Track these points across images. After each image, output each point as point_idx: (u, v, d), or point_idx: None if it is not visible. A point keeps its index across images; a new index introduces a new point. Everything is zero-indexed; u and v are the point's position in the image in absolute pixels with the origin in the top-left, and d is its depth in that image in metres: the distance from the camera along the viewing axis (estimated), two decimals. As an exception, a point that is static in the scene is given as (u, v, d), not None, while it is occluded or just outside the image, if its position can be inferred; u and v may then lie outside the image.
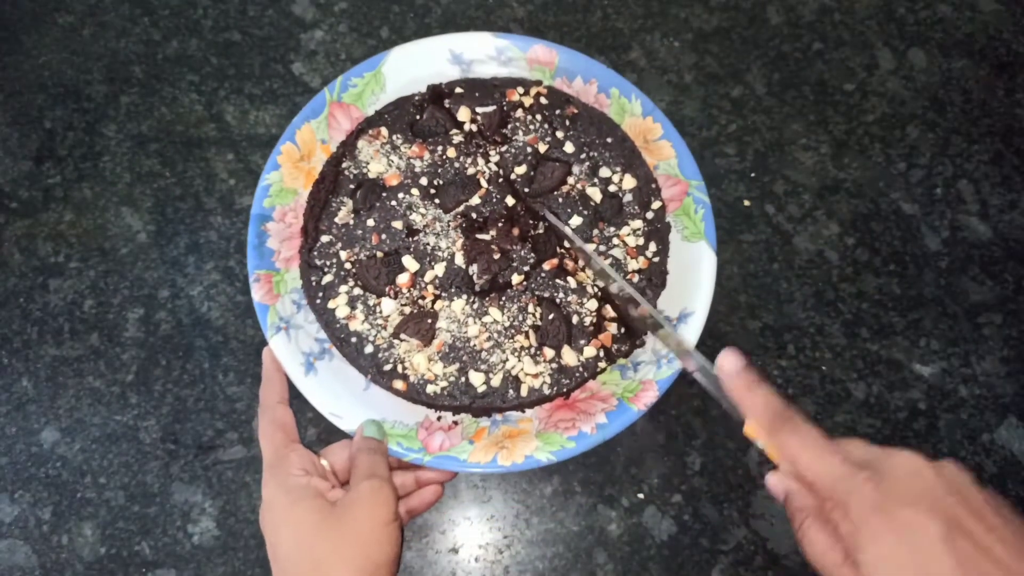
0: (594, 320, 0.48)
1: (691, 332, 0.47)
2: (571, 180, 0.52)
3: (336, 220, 0.50)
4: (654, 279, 0.50)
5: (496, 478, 0.51)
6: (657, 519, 0.50)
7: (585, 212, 0.51)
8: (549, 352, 0.47)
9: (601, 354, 0.48)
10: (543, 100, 0.54)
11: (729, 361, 0.36)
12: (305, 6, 0.65)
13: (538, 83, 0.55)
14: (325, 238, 0.50)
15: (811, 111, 0.62)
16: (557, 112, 0.54)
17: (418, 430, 0.46)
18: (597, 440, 0.44)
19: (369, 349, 0.47)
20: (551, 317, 0.48)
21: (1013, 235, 0.58)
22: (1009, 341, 0.55)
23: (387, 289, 0.48)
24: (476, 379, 0.47)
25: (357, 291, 0.49)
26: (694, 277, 0.49)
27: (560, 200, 0.52)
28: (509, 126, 0.54)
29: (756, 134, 0.61)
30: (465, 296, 0.48)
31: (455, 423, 0.47)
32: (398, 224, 0.50)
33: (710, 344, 0.54)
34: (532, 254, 0.50)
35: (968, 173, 0.60)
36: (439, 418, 0.47)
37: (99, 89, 0.61)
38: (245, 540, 0.49)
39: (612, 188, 0.52)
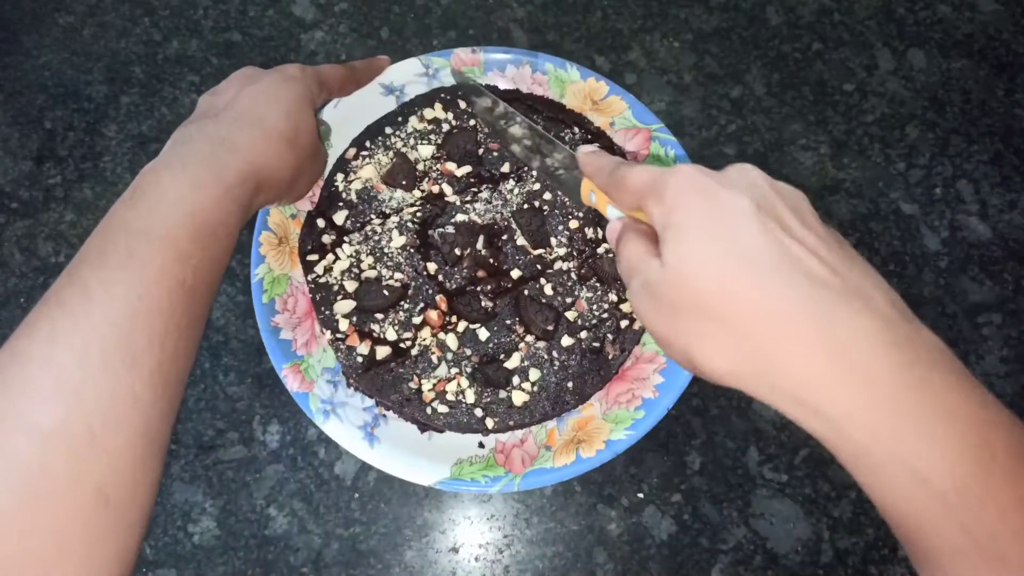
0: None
1: None
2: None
3: (319, 280, 0.50)
4: None
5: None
6: (657, 518, 0.50)
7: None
8: (568, 339, 0.48)
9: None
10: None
11: (584, 148, 0.41)
12: (305, 7, 0.65)
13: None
14: (320, 276, 0.50)
15: (811, 111, 0.62)
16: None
17: (494, 456, 0.46)
18: (665, 403, 0.45)
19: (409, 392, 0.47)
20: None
21: (1013, 235, 0.58)
22: (1009, 341, 0.55)
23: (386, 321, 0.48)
24: (518, 398, 0.47)
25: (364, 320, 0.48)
26: None
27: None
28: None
29: (756, 134, 0.61)
30: (457, 327, 0.48)
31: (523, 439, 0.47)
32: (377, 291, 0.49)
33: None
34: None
35: (967, 173, 0.60)
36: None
37: (99, 89, 0.61)
38: (245, 540, 0.49)
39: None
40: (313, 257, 0.50)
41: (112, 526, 0.29)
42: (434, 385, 0.46)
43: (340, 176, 0.52)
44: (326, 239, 0.50)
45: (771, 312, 0.27)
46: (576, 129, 0.53)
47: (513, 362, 0.47)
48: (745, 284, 0.27)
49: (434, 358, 0.47)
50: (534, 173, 0.52)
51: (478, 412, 0.46)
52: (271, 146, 0.40)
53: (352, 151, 0.53)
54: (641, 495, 0.51)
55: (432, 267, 0.49)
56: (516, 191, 0.51)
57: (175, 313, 0.32)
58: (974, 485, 0.24)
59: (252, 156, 0.39)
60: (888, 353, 0.26)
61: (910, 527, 0.26)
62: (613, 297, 0.49)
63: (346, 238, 0.50)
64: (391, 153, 0.52)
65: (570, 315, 0.48)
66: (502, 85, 0.55)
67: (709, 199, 0.29)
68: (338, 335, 0.48)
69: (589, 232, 0.50)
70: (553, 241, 0.50)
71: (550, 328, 0.48)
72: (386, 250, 0.50)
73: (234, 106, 0.40)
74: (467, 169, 0.52)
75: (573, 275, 0.49)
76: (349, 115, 0.53)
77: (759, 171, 0.31)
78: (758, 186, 0.30)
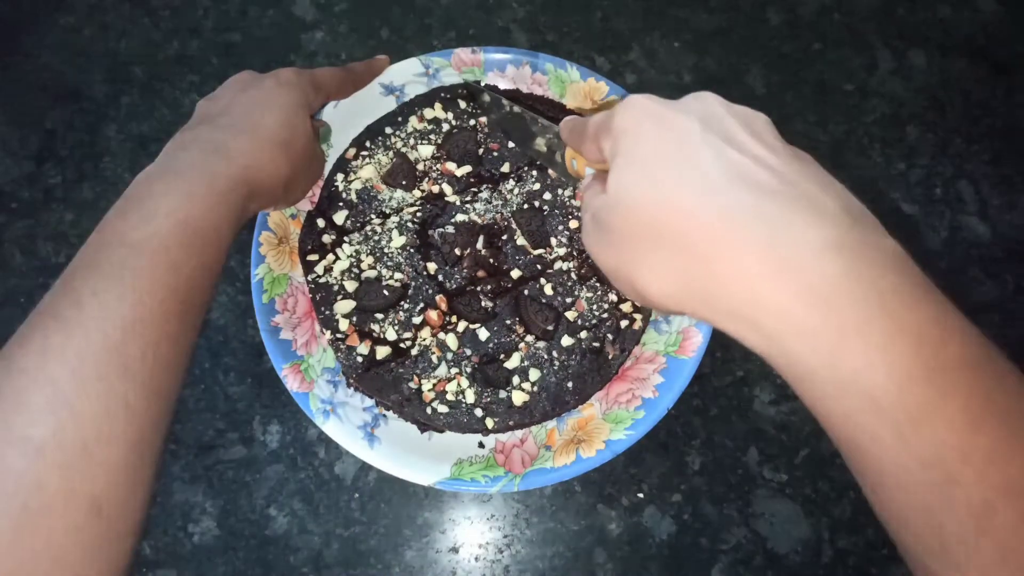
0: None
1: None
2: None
3: (319, 280, 0.50)
4: None
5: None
6: (657, 518, 0.50)
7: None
8: (568, 339, 0.48)
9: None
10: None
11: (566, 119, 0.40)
12: (305, 7, 0.65)
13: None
14: (321, 280, 0.50)
15: (811, 111, 0.62)
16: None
17: (494, 456, 0.46)
18: (665, 403, 0.45)
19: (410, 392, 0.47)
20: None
21: (1013, 235, 0.58)
22: (1009, 341, 0.55)
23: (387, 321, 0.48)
24: (518, 398, 0.47)
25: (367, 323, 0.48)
26: None
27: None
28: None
29: (756, 134, 0.61)
30: (460, 325, 0.48)
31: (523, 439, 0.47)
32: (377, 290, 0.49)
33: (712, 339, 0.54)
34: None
35: (968, 173, 0.60)
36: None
37: (100, 89, 0.61)
38: (246, 540, 0.49)
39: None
40: (313, 257, 0.50)
41: (106, 536, 0.29)
42: (434, 385, 0.46)
43: (340, 176, 0.52)
44: (326, 239, 0.50)
45: (708, 225, 0.26)
46: None
47: (513, 362, 0.47)
48: (683, 200, 0.26)
49: (434, 358, 0.47)
50: (534, 173, 0.52)
51: (478, 412, 0.46)
52: (265, 153, 0.40)
53: (352, 151, 0.53)
54: (641, 495, 0.51)
55: (432, 267, 0.49)
56: (516, 191, 0.51)
57: (168, 322, 0.32)
58: (922, 401, 0.22)
59: (246, 163, 0.38)
60: (832, 259, 0.24)
61: (859, 455, 0.24)
62: (613, 297, 0.49)
63: (346, 238, 0.50)
64: (391, 153, 0.53)
65: (570, 315, 0.48)
66: (502, 85, 0.55)
67: (655, 122, 0.28)
68: (338, 335, 0.48)
69: None
70: (553, 241, 0.50)
71: (550, 328, 0.48)
72: (386, 250, 0.50)
73: (229, 112, 0.40)
74: (467, 169, 0.52)
75: (573, 275, 0.49)
76: (349, 115, 0.53)
77: (718, 97, 0.29)
78: (711, 109, 0.29)
